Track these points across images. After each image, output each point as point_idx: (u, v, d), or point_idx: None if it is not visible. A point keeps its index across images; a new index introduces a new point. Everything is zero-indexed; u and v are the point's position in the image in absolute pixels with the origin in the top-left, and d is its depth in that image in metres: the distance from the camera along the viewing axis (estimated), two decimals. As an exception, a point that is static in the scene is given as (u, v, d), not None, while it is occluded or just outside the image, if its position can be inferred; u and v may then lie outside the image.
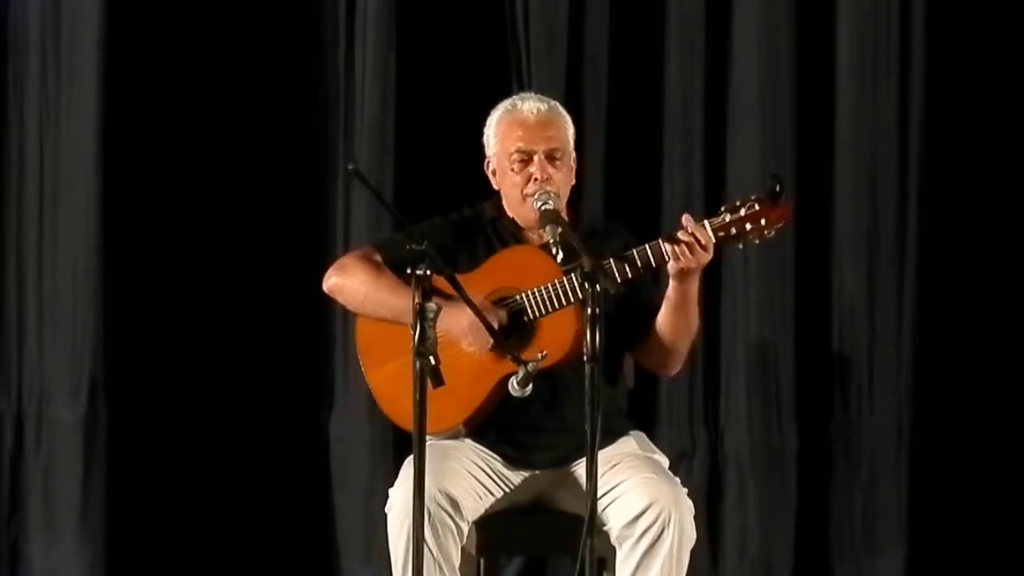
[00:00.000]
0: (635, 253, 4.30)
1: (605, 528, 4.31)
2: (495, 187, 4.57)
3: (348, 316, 5.03)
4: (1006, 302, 5.83)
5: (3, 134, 5.88)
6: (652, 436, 4.63)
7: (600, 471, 4.02)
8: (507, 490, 4.46)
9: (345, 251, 5.29)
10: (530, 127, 4.47)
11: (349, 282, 4.51)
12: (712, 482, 5.85)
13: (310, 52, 5.91)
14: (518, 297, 4.39)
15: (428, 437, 3.86)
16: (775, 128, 5.82)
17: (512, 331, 4.37)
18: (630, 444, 4.50)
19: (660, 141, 5.88)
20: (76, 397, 5.83)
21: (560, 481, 4.48)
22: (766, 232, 4.28)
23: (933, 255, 5.82)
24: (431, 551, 4.21)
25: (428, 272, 3.84)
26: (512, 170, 4.47)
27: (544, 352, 4.22)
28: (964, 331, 5.83)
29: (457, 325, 4.34)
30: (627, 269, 4.29)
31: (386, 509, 4.32)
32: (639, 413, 4.72)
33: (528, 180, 4.45)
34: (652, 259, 4.29)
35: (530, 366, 4.13)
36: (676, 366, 4.54)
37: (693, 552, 4.30)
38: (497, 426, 4.45)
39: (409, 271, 3.85)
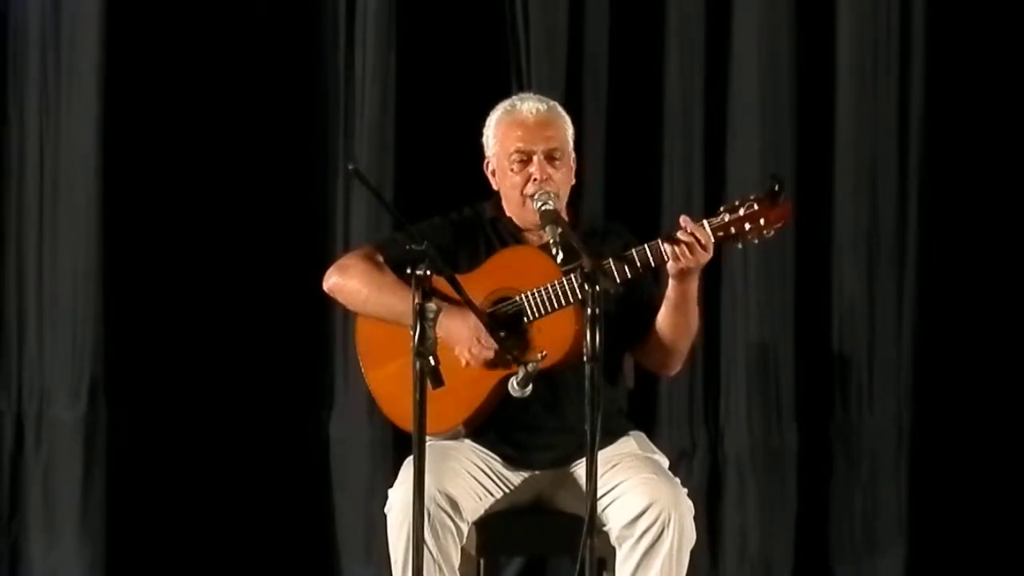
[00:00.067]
0: (635, 253, 4.29)
1: (605, 528, 4.31)
2: (495, 187, 4.57)
3: (348, 316, 5.03)
4: (1006, 302, 5.83)
5: (3, 134, 5.88)
6: (652, 436, 4.63)
7: (600, 471, 4.01)
8: (507, 490, 4.46)
9: (345, 251, 5.28)
10: (529, 127, 4.47)
11: (349, 282, 4.51)
12: (712, 482, 5.85)
13: (310, 52, 5.91)
14: (518, 297, 4.39)
15: (428, 437, 3.86)
16: (775, 128, 5.82)
17: (512, 332, 4.37)
18: (630, 444, 4.50)
19: (660, 141, 5.88)
20: (76, 397, 5.83)
21: (560, 481, 4.48)
22: (765, 232, 4.28)
23: (933, 255, 5.82)
24: (431, 551, 4.21)
25: (428, 272, 3.84)
26: (511, 170, 4.47)
27: (544, 352, 4.22)
28: (964, 331, 5.83)
29: (454, 336, 4.34)
30: (627, 269, 4.29)
31: (385, 510, 4.32)
32: (639, 413, 4.72)
33: (527, 180, 4.44)
34: (652, 259, 4.28)
35: (530, 366, 4.14)
36: (676, 366, 4.54)
37: (693, 552, 4.30)
38: (497, 426, 4.45)
39: (409, 271, 3.85)
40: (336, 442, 5.88)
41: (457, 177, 4.91)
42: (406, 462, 4.29)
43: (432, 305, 3.81)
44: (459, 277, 4.12)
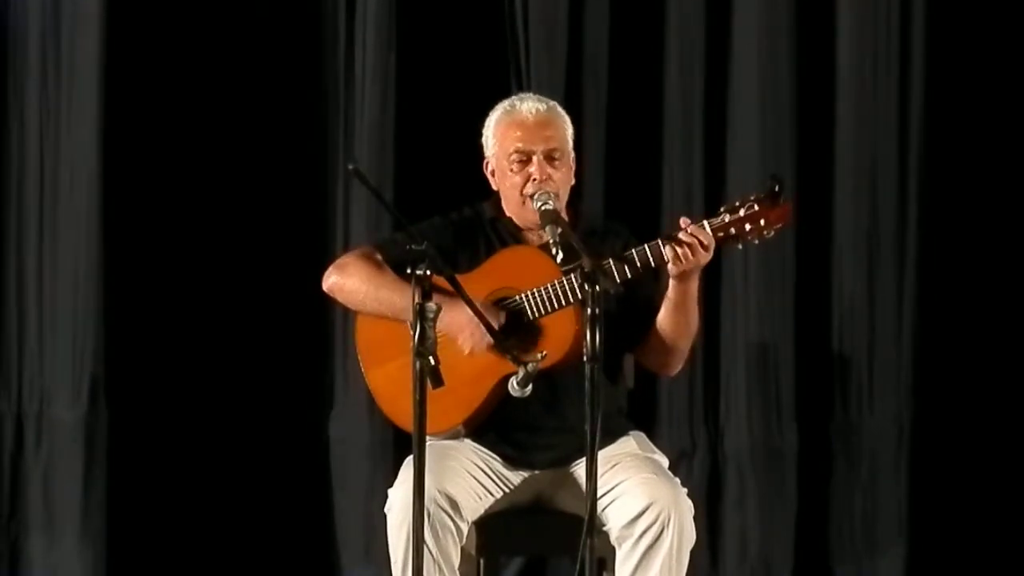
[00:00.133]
0: (635, 253, 4.29)
1: (605, 528, 4.31)
2: (494, 187, 4.57)
3: (348, 316, 5.03)
4: (1006, 302, 5.83)
5: (3, 134, 5.88)
6: (652, 436, 4.63)
7: (600, 471, 4.01)
8: (507, 490, 4.46)
9: (345, 251, 5.28)
10: (529, 127, 4.47)
11: (349, 281, 4.51)
12: (712, 482, 5.85)
13: (310, 52, 5.91)
14: (518, 297, 4.39)
15: (428, 437, 3.86)
16: (775, 128, 5.82)
17: (512, 331, 4.37)
18: (630, 444, 4.50)
19: (660, 141, 5.88)
20: (76, 397, 5.83)
21: (560, 481, 4.48)
22: (765, 232, 4.28)
23: (933, 255, 5.82)
24: (431, 551, 4.21)
25: (428, 272, 3.84)
26: (511, 170, 4.47)
27: (544, 352, 4.22)
28: (964, 331, 5.83)
29: (455, 323, 4.34)
30: (627, 269, 4.29)
31: (385, 509, 4.32)
32: (639, 413, 4.72)
33: (527, 180, 4.44)
34: (652, 259, 4.28)
35: (530, 366, 4.13)
36: (676, 366, 4.54)
37: (693, 552, 4.30)
38: (497, 426, 4.45)
39: (409, 271, 3.85)
40: (336, 442, 5.88)
41: (457, 177, 4.90)
42: (406, 462, 4.29)
43: (432, 304, 3.82)
44: (459, 277, 4.12)
